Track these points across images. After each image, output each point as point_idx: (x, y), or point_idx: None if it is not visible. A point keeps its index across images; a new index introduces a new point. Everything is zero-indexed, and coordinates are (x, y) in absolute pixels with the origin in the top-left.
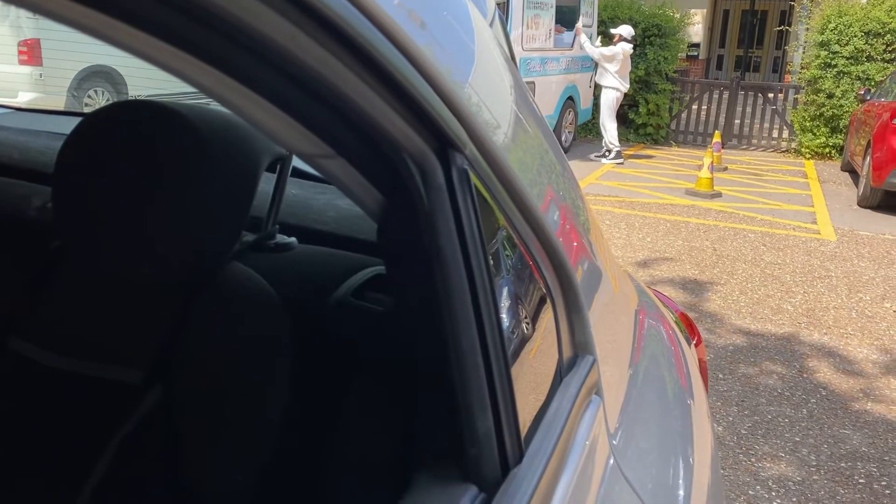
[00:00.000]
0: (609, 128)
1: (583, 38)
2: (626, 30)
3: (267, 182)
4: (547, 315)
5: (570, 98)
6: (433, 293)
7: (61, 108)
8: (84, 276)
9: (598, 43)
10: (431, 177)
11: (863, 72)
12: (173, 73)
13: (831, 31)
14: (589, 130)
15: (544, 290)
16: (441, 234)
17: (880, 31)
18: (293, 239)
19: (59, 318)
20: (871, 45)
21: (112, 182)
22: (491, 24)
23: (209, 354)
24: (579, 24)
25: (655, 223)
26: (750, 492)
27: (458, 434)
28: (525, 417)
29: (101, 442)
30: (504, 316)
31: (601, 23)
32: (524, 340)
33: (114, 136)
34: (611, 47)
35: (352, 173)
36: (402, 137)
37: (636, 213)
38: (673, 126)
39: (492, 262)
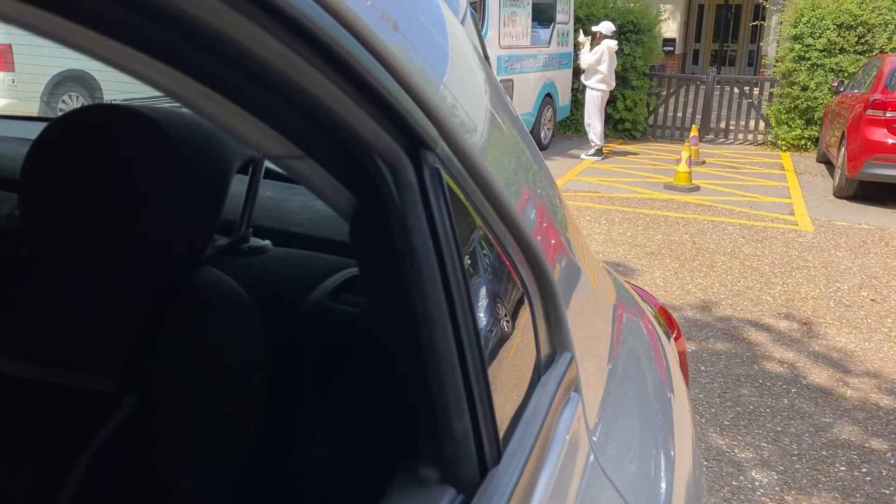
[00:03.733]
0: (595, 126)
1: (582, 51)
2: (606, 26)
3: (241, 184)
4: (524, 314)
5: (549, 95)
6: (407, 294)
7: (35, 114)
8: (53, 284)
9: (581, 39)
10: (402, 176)
11: (836, 64)
12: (134, 76)
13: (804, 24)
14: (568, 127)
15: (521, 289)
16: (413, 233)
17: (852, 23)
18: (267, 242)
19: (28, 327)
20: (844, 37)
21: (80, 188)
22: (462, 22)
23: (183, 360)
24: (581, 39)
25: (635, 218)
26: (734, 482)
27: (435, 436)
28: (503, 417)
29: (77, 451)
30: (480, 316)
31: (577, 20)
32: (501, 340)
33: (81, 140)
34: (596, 49)
35: (321, 174)
36: (372, 137)
37: (616, 209)
38: (650, 121)
39: (467, 261)
